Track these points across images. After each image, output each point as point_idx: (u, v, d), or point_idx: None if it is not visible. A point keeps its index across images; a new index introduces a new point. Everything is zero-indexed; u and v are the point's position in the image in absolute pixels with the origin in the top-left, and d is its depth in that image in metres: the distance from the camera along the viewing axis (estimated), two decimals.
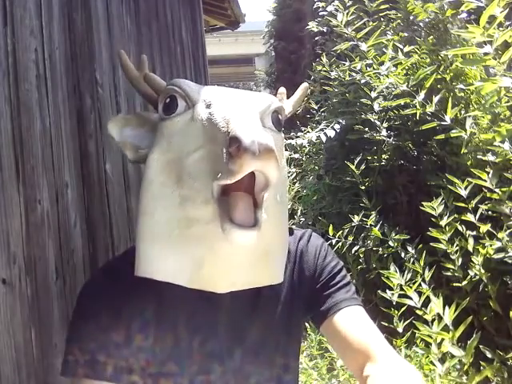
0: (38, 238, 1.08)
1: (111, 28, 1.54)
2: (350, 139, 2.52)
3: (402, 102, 2.04)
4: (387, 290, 1.72)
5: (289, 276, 0.78)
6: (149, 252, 0.68)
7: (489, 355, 1.50)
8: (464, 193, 1.68)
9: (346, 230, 2.17)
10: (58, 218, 1.16)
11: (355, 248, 2.15)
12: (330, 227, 2.14)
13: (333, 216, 2.60)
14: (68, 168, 1.22)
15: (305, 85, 0.91)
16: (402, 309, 1.70)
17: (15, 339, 0.97)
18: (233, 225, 0.59)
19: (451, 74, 2.06)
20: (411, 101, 2.00)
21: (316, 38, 4.64)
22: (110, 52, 1.50)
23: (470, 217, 1.66)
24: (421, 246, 1.86)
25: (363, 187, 2.29)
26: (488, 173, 1.61)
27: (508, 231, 1.55)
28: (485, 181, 1.59)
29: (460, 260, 1.67)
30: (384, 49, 2.28)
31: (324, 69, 2.75)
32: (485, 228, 1.64)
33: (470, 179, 1.66)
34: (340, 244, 2.14)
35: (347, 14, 2.32)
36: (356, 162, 2.27)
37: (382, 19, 2.52)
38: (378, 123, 2.29)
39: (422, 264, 1.70)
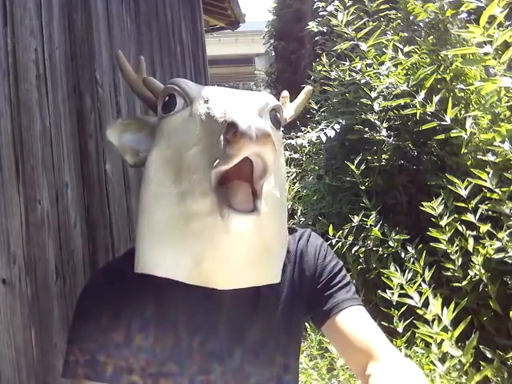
0: (38, 238, 1.08)
1: (111, 28, 1.54)
2: (350, 139, 2.52)
3: (402, 101, 2.04)
4: (387, 290, 1.72)
5: (289, 276, 0.78)
6: (149, 250, 0.68)
7: (489, 355, 1.50)
8: (464, 193, 1.68)
9: (346, 230, 2.17)
10: (58, 218, 1.16)
11: (355, 248, 2.15)
12: (330, 227, 2.13)
13: (333, 216, 2.60)
14: (68, 168, 1.22)
15: (308, 88, 0.91)
16: (402, 309, 1.70)
17: (15, 339, 0.97)
18: (231, 209, 0.59)
19: (451, 74, 2.06)
20: (411, 101, 2.00)
21: (316, 38, 4.63)
22: (109, 52, 1.50)
23: (470, 217, 1.66)
24: (421, 246, 1.86)
25: (363, 187, 2.29)
26: (488, 173, 1.60)
27: (508, 231, 1.55)
28: (485, 181, 1.59)
29: (460, 260, 1.67)
30: (384, 49, 2.28)
31: (324, 69, 2.75)
32: (485, 228, 1.63)
33: (470, 179, 1.66)
34: (340, 244, 2.14)
35: (347, 13, 2.32)
36: (356, 162, 2.27)
37: (382, 19, 2.53)
38: (378, 123, 2.29)
39: (421, 264, 1.70)
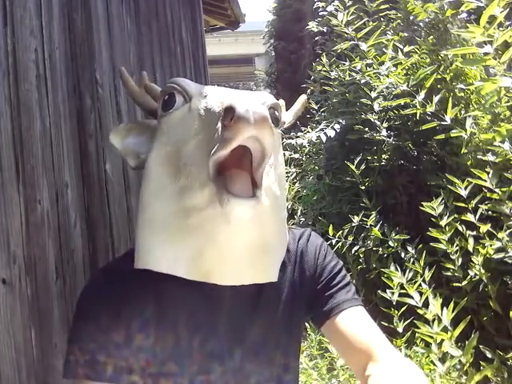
0: (38, 238, 1.08)
1: (111, 28, 1.54)
2: (350, 139, 2.52)
3: (402, 101, 2.04)
4: (387, 290, 1.72)
5: (289, 275, 0.78)
6: (148, 246, 0.69)
7: (489, 355, 1.50)
8: (464, 193, 1.68)
9: (346, 230, 2.17)
10: (58, 218, 1.16)
11: (355, 248, 2.15)
12: (330, 227, 2.13)
13: (333, 216, 2.60)
14: (68, 168, 1.22)
15: (303, 97, 0.92)
16: (402, 309, 1.70)
17: (15, 339, 0.97)
18: (230, 194, 0.59)
19: (451, 74, 2.06)
20: (411, 101, 2.00)
21: (316, 38, 4.63)
22: (109, 52, 1.50)
23: (470, 217, 1.66)
24: (421, 246, 1.86)
25: (363, 187, 2.29)
26: (488, 173, 1.61)
27: (508, 231, 1.55)
28: (485, 181, 1.59)
29: (460, 260, 1.67)
30: (384, 49, 2.28)
31: (324, 69, 2.76)
32: (485, 228, 1.64)
33: (470, 179, 1.66)
34: (340, 244, 2.14)
35: (347, 13, 2.32)
36: (356, 162, 2.27)
37: (382, 19, 2.53)
38: (378, 123, 2.29)
39: (422, 264, 1.70)
